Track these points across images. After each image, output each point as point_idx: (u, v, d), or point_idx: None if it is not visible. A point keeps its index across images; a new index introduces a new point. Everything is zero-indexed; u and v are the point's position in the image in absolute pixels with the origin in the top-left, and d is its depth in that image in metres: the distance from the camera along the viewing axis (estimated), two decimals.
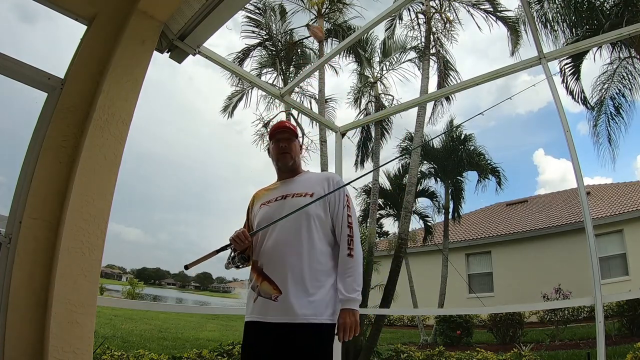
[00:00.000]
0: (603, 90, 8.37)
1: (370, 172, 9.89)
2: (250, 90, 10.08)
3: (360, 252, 1.65)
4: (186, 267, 1.59)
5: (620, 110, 8.29)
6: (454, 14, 9.25)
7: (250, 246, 1.66)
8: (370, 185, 10.23)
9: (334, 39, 9.62)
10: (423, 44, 9.52)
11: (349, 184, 1.78)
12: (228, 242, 1.61)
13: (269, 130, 1.89)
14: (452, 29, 9.26)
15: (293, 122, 8.82)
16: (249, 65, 9.86)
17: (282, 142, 1.78)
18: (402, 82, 10.31)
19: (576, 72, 8.51)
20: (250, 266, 1.68)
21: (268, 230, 1.62)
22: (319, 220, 1.63)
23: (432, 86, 10.41)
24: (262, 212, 1.72)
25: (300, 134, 2.06)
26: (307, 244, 1.57)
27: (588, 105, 8.74)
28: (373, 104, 10.32)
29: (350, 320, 1.51)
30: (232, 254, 1.67)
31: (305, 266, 1.54)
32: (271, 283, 1.54)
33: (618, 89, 8.26)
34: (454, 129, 11.86)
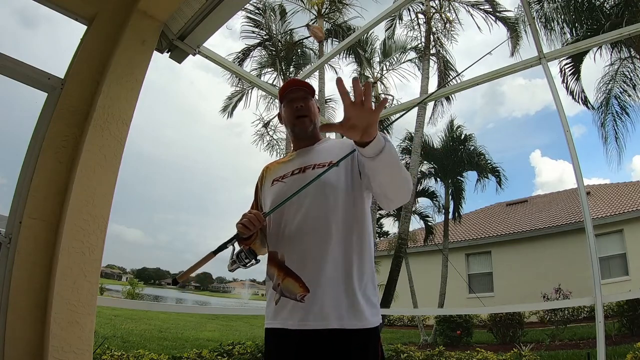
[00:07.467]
0: (607, 91, 8.38)
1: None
2: (250, 91, 10.10)
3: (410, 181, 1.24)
4: (175, 282, 1.32)
5: (627, 110, 8.31)
6: (454, 14, 9.27)
7: (257, 236, 1.33)
8: None
9: (334, 39, 9.63)
10: (423, 44, 9.54)
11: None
12: (223, 243, 1.26)
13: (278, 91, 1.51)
14: (452, 29, 9.28)
15: None
16: (249, 65, 9.89)
17: (297, 102, 1.42)
18: (403, 82, 10.35)
19: (576, 72, 8.51)
20: (268, 260, 1.34)
21: (289, 213, 1.28)
22: (347, 195, 1.28)
23: (432, 86, 10.45)
24: (275, 189, 1.37)
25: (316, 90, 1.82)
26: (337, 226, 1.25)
27: (589, 105, 8.75)
28: (373, 104, 10.33)
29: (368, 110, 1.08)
30: (237, 250, 1.26)
31: (339, 256, 1.21)
32: (297, 279, 1.22)
33: (622, 89, 8.27)
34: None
